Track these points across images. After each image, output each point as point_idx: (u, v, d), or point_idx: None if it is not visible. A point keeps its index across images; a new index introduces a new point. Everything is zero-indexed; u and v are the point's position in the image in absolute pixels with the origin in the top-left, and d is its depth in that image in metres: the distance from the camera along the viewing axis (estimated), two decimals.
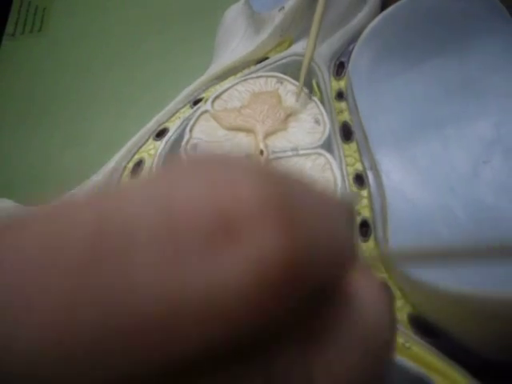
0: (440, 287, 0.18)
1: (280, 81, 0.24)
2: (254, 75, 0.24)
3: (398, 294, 0.20)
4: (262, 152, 0.21)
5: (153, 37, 0.34)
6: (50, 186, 0.27)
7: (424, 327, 0.19)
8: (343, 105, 0.25)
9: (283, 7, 0.25)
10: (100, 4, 0.36)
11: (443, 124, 0.24)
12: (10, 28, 0.35)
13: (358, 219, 0.22)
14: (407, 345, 0.18)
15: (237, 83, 0.24)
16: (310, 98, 0.23)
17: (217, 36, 0.31)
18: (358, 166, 0.23)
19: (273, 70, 0.25)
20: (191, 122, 0.23)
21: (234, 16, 0.31)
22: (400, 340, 0.18)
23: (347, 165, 0.23)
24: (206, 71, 0.28)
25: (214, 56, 0.31)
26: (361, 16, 0.27)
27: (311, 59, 0.23)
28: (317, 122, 0.22)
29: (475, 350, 0.19)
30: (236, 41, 0.29)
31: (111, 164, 0.24)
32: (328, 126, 0.22)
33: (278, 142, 0.22)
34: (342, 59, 0.26)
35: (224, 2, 0.33)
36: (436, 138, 0.24)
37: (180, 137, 0.23)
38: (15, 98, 0.32)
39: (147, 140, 0.24)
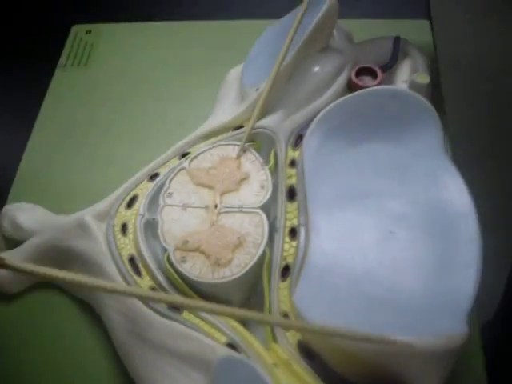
0: (318, 327, 0.26)
1: (243, 149, 0.32)
2: (225, 142, 0.33)
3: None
4: (216, 206, 0.30)
5: (174, 82, 0.43)
6: (76, 200, 0.37)
7: (306, 351, 0.27)
8: (293, 171, 0.33)
9: (258, 88, 0.34)
10: (138, 49, 0.46)
11: (368, 197, 0.32)
12: (62, 59, 0.46)
13: (283, 264, 0.30)
14: (290, 361, 0.27)
15: (211, 148, 0.32)
16: (263, 167, 0.32)
17: (219, 90, 0.40)
18: (295, 222, 0.32)
19: (242, 138, 0.33)
20: (172, 174, 0.32)
21: (233, 77, 0.39)
22: (285, 357, 0.27)
23: (286, 219, 0.32)
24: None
25: (214, 107, 0.40)
26: (324, 98, 0.35)
27: (252, 129, 0.32)
28: (262, 187, 0.31)
29: (339, 372, 0.27)
30: (228, 102, 0.37)
31: (115, 195, 0.34)
32: (269, 192, 0.31)
33: (230, 199, 0.31)
34: (302, 133, 0.34)
35: (234, 58, 0.41)
36: (360, 207, 0.31)
37: (165, 183, 0.32)
38: (58, 121, 0.42)
39: (143, 180, 0.34)
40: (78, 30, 0.47)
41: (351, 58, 0.36)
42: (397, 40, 0.38)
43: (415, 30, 0.44)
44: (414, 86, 0.35)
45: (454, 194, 0.31)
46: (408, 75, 0.36)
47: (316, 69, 0.35)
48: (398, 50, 0.38)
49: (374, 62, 0.37)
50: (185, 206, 0.31)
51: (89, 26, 0.47)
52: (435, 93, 0.38)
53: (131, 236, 0.32)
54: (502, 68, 1.13)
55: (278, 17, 0.39)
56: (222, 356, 0.26)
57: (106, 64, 0.45)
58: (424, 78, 0.35)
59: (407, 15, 0.46)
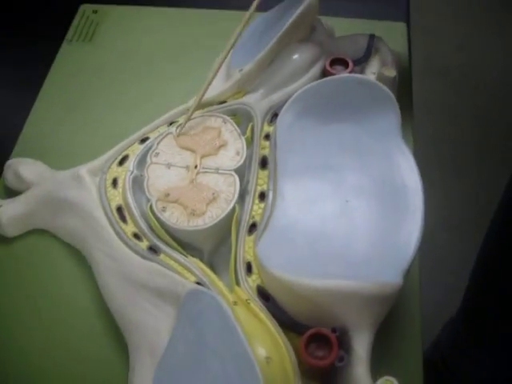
0: (274, 274, 0.31)
1: (225, 121, 0.37)
2: (209, 114, 0.38)
3: (256, 270, 0.33)
4: (196, 166, 0.35)
5: (169, 61, 0.49)
6: (73, 161, 0.41)
7: (263, 294, 0.32)
8: (267, 143, 0.38)
9: (242, 69, 0.39)
10: (138, 30, 0.51)
11: (330, 170, 0.37)
12: (69, 34, 0.51)
13: (251, 221, 0.35)
14: (248, 301, 0.32)
15: (197, 117, 0.38)
16: (240, 137, 0.37)
17: (210, 71, 0.45)
18: (264, 187, 0.37)
19: (225, 111, 0.38)
20: (160, 138, 0.37)
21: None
22: (245, 297, 0.32)
23: (257, 184, 0.37)
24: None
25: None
26: (300, 83, 0.40)
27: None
28: (237, 153, 0.36)
29: (289, 313, 0.32)
30: (216, 81, 0.42)
31: (108, 154, 0.38)
32: (244, 157, 0.36)
33: (209, 162, 0.36)
34: (277, 111, 0.39)
35: (224, 44, 0.46)
36: (322, 178, 0.36)
37: (153, 145, 0.37)
38: (64, 89, 0.47)
39: (134, 143, 0.39)
40: (85, 9, 0.52)
41: (328, 50, 0.42)
42: (371, 38, 0.43)
43: (392, 32, 0.49)
44: (381, 77, 0.40)
45: (406, 172, 0.36)
46: (377, 68, 0.41)
47: (295, 56, 0.40)
48: (371, 47, 0.43)
49: (350, 55, 0.42)
50: (169, 165, 0.36)
51: (95, 6, 0.53)
52: (406, 98, 0.44)
53: (120, 189, 0.37)
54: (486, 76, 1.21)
55: (267, 9, 0.45)
56: (190, 288, 0.31)
57: (108, 41, 0.50)
58: (391, 72, 0.41)
59: (388, 17, 0.52)
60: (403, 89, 0.44)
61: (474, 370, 0.74)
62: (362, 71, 0.42)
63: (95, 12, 0.52)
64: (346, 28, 0.47)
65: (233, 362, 0.28)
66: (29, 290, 0.38)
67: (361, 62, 0.42)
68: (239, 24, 0.40)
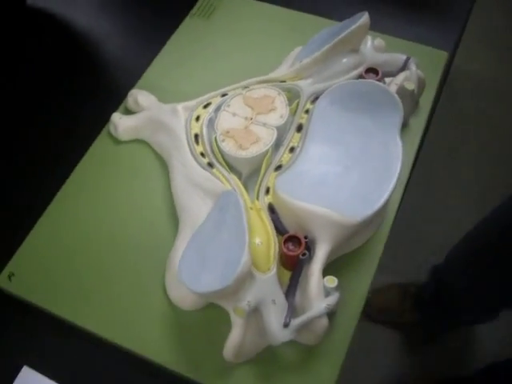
0: (281, 196, 0.52)
1: (279, 94, 0.58)
2: (271, 87, 0.59)
3: (271, 193, 0.54)
4: (251, 118, 0.56)
5: (259, 45, 0.69)
6: (173, 98, 0.64)
7: (271, 208, 0.53)
8: (305, 116, 0.58)
9: (301, 61, 0.59)
10: (244, 17, 0.72)
11: (342, 144, 0.56)
12: (194, 10, 0.73)
13: (279, 163, 0.56)
14: (260, 210, 0.52)
15: (262, 87, 0.58)
16: (286, 107, 0.57)
17: (285, 59, 0.66)
18: (295, 144, 0.57)
19: (282, 88, 0.59)
20: (233, 95, 0.58)
21: (294, 53, 0.65)
22: (259, 207, 0.53)
23: (291, 141, 0.57)
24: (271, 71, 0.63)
25: (278, 67, 0.65)
26: (340, 79, 0.59)
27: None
28: (281, 117, 0.56)
29: (284, 223, 0.52)
30: (285, 66, 0.63)
31: (199, 99, 0.60)
32: (285, 120, 0.56)
33: (260, 118, 0.56)
34: (318, 96, 0.59)
35: (299, 42, 0.67)
36: (335, 148, 0.56)
37: (228, 99, 0.59)
38: (180, 50, 0.70)
39: (216, 96, 0.60)
40: None
41: (371, 61, 0.61)
42: (407, 59, 0.62)
43: (434, 57, 0.67)
44: (401, 88, 0.59)
45: (393, 158, 0.55)
46: (401, 81, 0.60)
47: (344, 60, 0.60)
48: (405, 67, 0.62)
49: (387, 69, 0.61)
50: (234, 114, 0.57)
51: None
52: (423, 111, 0.63)
53: (200, 123, 0.58)
54: None
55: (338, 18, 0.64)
56: (226, 190, 0.52)
57: (220, 21, 0.72)
58: (410, 86, 0.59)
59: (435, 44, 0.69)
60: (426, 104, 0.63)
61: (471, 285, 0.96)
62: (390, 81, 0.60)
63: None
64: (393, 46, 0.66)
65: (235, 235, 0.48)
66: (125, 177, 0.61)
67: (391, 75, 0.61)
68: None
